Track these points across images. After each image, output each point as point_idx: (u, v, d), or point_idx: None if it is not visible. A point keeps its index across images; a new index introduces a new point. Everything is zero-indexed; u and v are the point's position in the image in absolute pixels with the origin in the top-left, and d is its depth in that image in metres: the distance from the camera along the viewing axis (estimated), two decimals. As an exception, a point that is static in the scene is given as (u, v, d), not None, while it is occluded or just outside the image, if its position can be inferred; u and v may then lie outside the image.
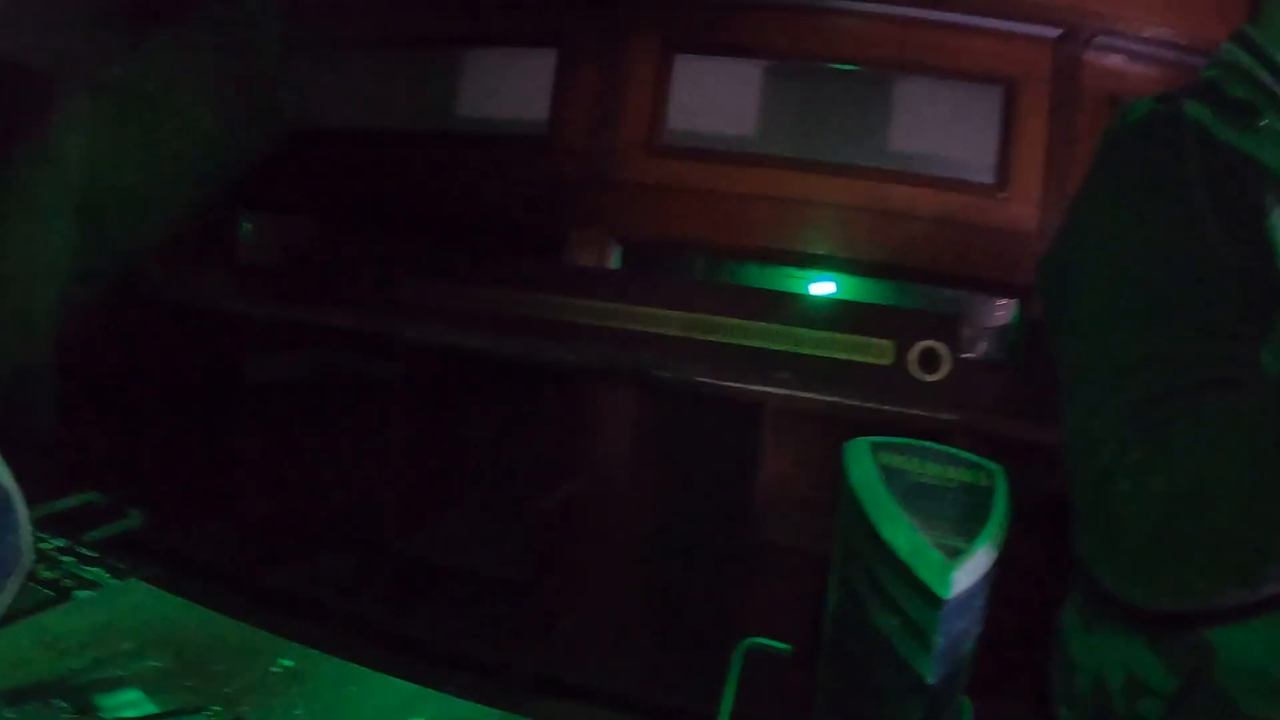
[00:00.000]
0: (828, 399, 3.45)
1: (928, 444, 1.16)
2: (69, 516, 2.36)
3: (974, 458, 1.13)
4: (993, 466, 1.14)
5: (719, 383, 3.55)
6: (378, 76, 4.95)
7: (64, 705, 1.43)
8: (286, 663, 1.51)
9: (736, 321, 3.96)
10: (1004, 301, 4.35)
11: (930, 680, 0.94)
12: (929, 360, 3.73)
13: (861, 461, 1.08)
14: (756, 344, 3.91)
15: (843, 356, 3.82)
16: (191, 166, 4.75)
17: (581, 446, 4.00)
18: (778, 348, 3.87)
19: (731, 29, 4.20)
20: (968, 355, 3.88)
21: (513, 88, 4.60)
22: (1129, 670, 1.16)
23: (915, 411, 3.37)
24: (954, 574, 0.96)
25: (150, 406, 4.50)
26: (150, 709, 1.45)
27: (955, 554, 0.97)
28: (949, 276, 4.13)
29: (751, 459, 3.47)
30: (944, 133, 4.05)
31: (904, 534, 0.98)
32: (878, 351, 3.80)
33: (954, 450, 1.16)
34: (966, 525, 1.02)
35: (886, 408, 3.39)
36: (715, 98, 4.28)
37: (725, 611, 3.49)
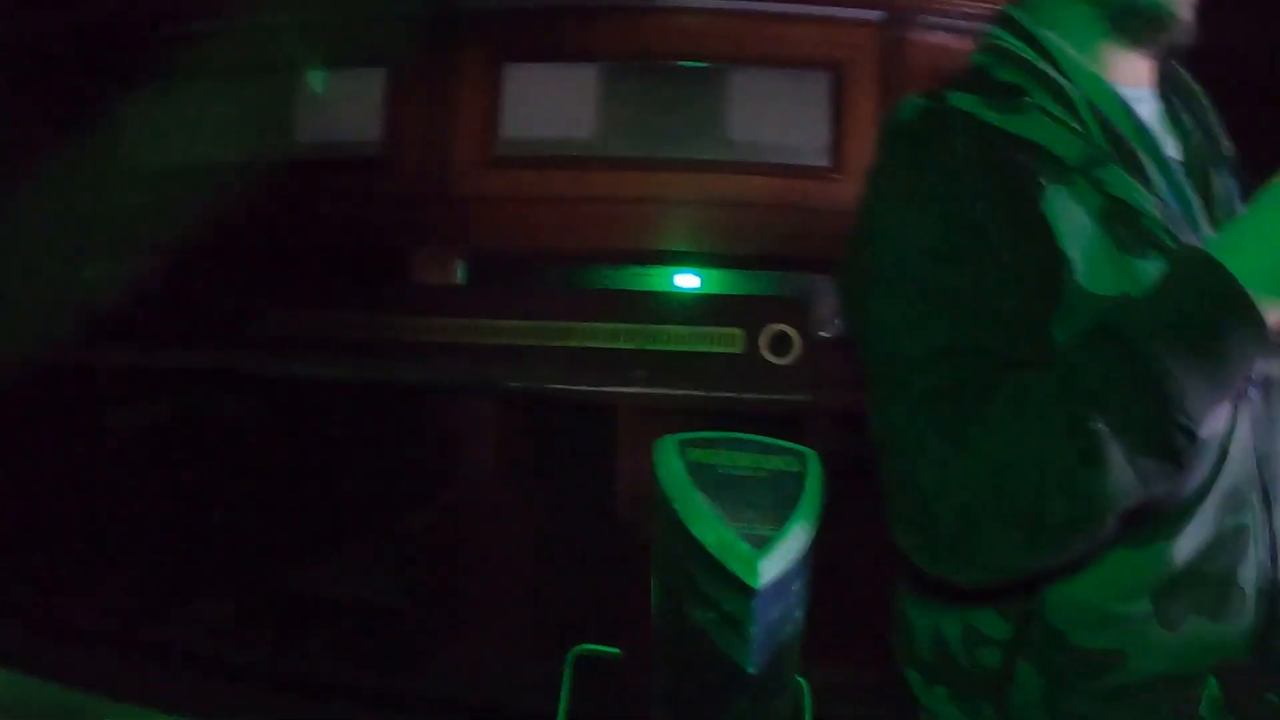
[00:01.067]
0: (681, 393, 3.48)
1: (738, 435, 1.17)
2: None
3: (786, 444, 1.15)
4: (805, 451, 1.15)
5: (571, 388, 3.55)
6: (211, 108, 4.82)
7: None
8: None
9: (583, 325, 3.96)
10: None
11: (751, 669, 0.96)
12: (779, 344, 3.78)
13: (669, 460, 1.08)
14: (606, 345, 3.92)
15: (693, 349, 3.84)
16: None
17: (445, 464, 3.97)
18: (628, 346, 3.88)
19: (558, 34, 4.20)
20: (818, 336, 3.93)
21: (346, 110, 4.53)
22: (966, 622, 1.20)
23: (769, 396, 3.41)
24: (762, 563, 0.97)
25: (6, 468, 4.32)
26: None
27: (763, 543, 0.98)
28: (794, 260, 4.19)
29: (611, 460, 3.48)
30: (778, 122, 4.10)
31: (711, 528, 0.99)
32: (728, 340, 3.83)
33: (765, 439, 1.17)
34: (776, 513, 1.03)
35: (741, 395, 3.44)
36: (548, 104, 4.27)
37: (604, 615, 3.49)
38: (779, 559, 0.99)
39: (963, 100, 1.10)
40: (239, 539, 3.98)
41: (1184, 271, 0.99)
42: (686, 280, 4.61)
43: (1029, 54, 1.15)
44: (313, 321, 4.24)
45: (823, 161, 4.05)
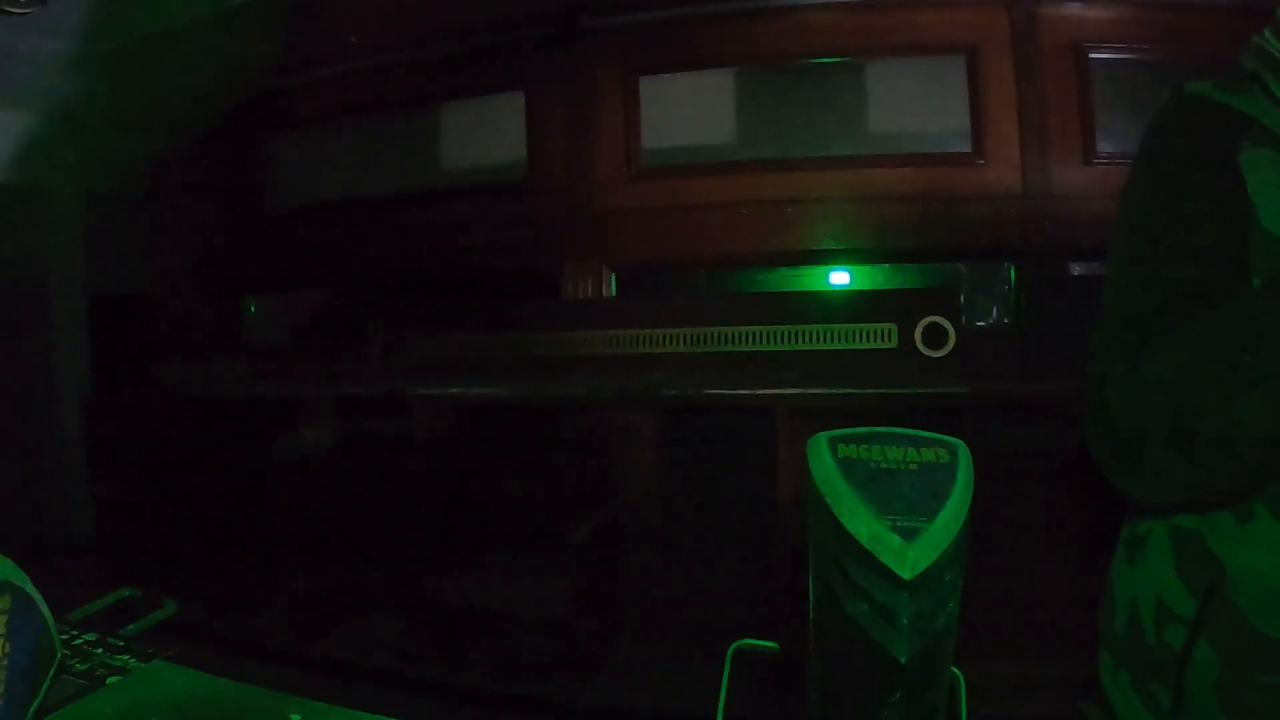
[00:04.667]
0: (837, 391, 3.47)
1: (889, 430, 1.18)
2: (108, 613, 2.42)
3: (936, 436, 1.16)
4: (954, 442, 1.16)
5: (729, 392, 3.57)
6: (356, 146, 5.00)
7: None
8: (296, 718, 1.57)
9: (737, 329, 3.98)
10: (999, 266, 4.35)
11: (903, 659, 0.98)
12: (934, 337, 3.74)
13: (821, 457, 1.10)
14: (760, 349, 3.93)
15: (847, 346, 3.83)
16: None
17: (605, 475, 4.03)
18: (781, 348, 3.89)
19: (689, 43, 4.22)
20: (971, 326, 3.88)
21: (488, 136, 4.64)
22: (1158, 598, 1.28)
23: (926, 390, 3.39)
24: (912, 554, 0.99)
25: (182, 498, 4.57)
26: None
27: (914, 534, 0.99)
28: (942, 250, 4.14)
29: (769, 462, 3.49)
30: (916, 111, 4.06)
31: (864, 522, 1.01)
32: (882, 336, 3.81)
33: (915, 432, 1.19)
34: (926, 505, 1.05)
35: (897, 391, 3.41)
36: (686, 114, 4.31)
37: (764, 615, 3.50)
38: (929, 549, 1.01)
39: (1197, 86, 1.30)
40: (406, 557, 4.11)
41: None
42: (837, 278, 4.59)
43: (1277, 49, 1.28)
44: (472, 344, 4.36)
45: (964, 147, 3.99)
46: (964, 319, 3.82)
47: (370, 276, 4.93)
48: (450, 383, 4.13)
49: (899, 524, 1.00)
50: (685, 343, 4.04)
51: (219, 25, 4.10)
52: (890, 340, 3.80)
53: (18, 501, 4.72)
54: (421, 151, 4.80)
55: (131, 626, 2.16)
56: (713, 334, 4.00)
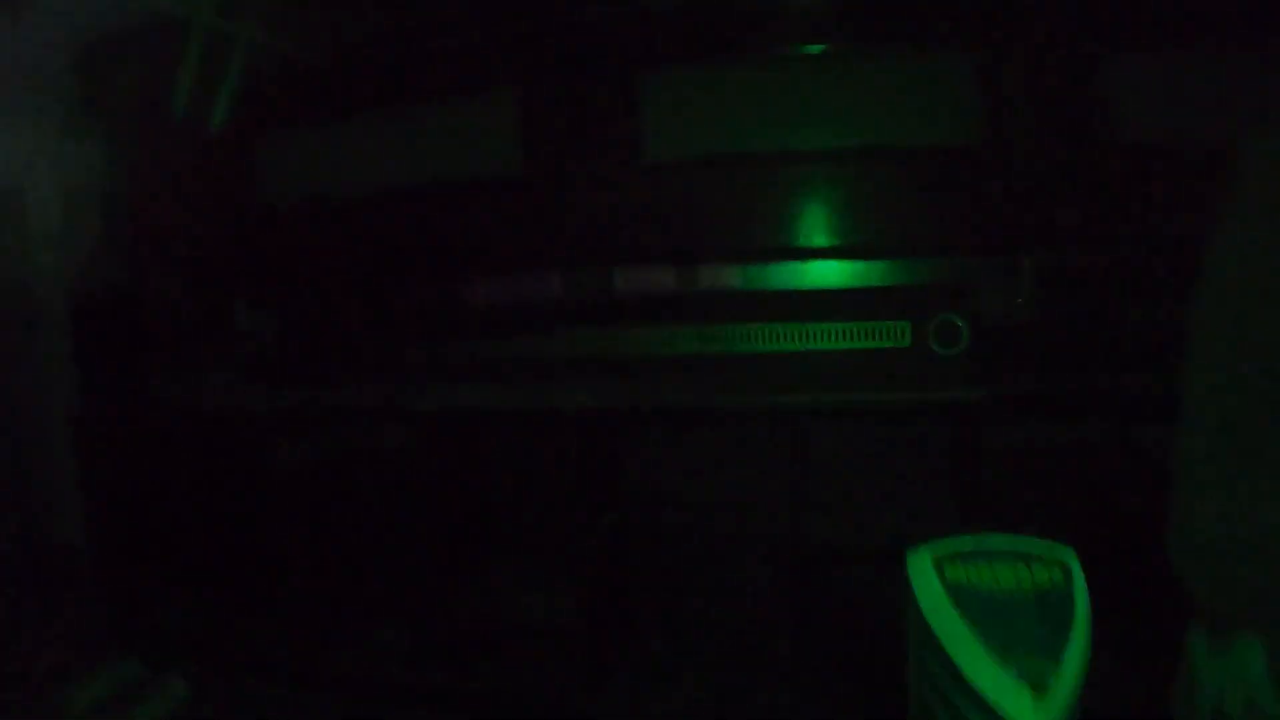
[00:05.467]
0: (848, 393, 3.41)
1: (994, 540, 1.10)
2: (111, 694, 2.33)
3: (1043, 544, 1.07)
4: (1065, 552, 1.08)
5: (734, 397, 3.50)
6: (349, 145, 4.87)
7: None
8: None
9: (744, 327, 3.89)
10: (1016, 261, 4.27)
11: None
12: (948, 335, 3.66)
13: (927, 579, 1.01)
14: (768, 348, 3.85)
15: (858, 345, 3.75)
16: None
17: (614, 483, 3.96)
18: (789, 348, 3.80)
19: (691, 36, 4.10)
20: (986, 325, 3.80)
21: (484, 131, 4.52)
22: (1248, 698, 1.17)
23: (940, 390, 3.33)
24: (1045, 712, 0.90)
25: (174, 514, 4.48)
26: None
27: (1043, 687, 0.91)
28: (955, 246, 4.04)
29: (778, 466, 3.43)
30: (922, 102, 3.95)
31: (985, 667, 0.92)
32: (894, 334, 3.73)
33: (1022, 541, 1.10)
34: (1049, 643, 0.96)
35: (910, 394, 3.35)
36: (687, 105, 4.19)
37: (789, 631, 3.45)
38: (1060, 701, 0.92)
39: None
40: (415, 568, 4.05)
41: None
42: (847, 274, 4.49)
43: None
44: (470, 348, 4.27)
45: (969, 139, 3.89)
46: (979, 316, 3.72)
47: (363, 277, 4.80)
48: (450, 391, 4.04)
49: (1024, 669, 0.92)
50: (689, 342, 3.95)
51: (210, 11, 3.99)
52: (903, 339, 3.72)
53: (7, 518, 4.63)
54: (417, 147, 4.67)
55: (132, 714, 2.07)
56: (718, 332, 3.92)
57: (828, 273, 4.09)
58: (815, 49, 4.00)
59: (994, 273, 3.94)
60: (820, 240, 4.00)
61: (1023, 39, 3.70)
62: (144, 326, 4.87)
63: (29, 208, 4.98)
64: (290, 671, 3.91)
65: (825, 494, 3.58)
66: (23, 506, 4.80)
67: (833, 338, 3.80)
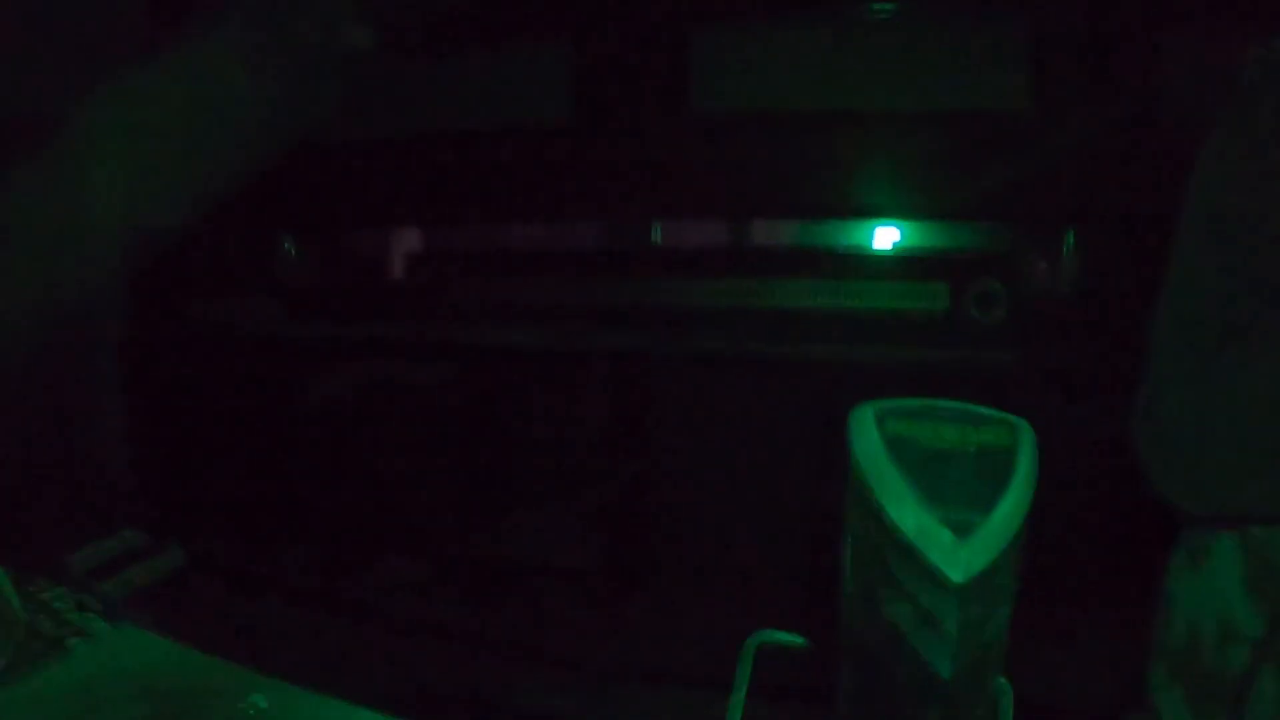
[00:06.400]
0: (883, 352, 3.36)
1: (944, 403, 1.05)
2: (113, 560, 2.37)
3: (997, 414, 1.03)
4: (1018, 422, 1.03)
5: (767, 348, 3.47)
6: (400, 86, 4.88)
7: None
8: (260, 702, 1.48)
9: (782, 283, 3.86)
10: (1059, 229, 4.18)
11: (947, 675, 0.84)
12: (986, 301, 3.59)
13: (866, 431, 0.97)
14: (804, 303, 3.81)
15: (895, 306, 3.70)
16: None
17: (637, 429, 3.94)
18: (826, 304, 3.76)
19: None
20: (1026, 291, 3.73)
21: (536, 77, 4.51)
22: (1222, 617, 1.16)
23: (975, 356, 3.27)
24: (965, 554, 0.85)
25: (209, 435, 4.54)
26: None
27: (968, 531, 0.86)
28: (998, 211, 3.97)
29: (806, 426, 3.38)
30: (976, 64, 3.86)
31: (910, 512, 0.88)
32: (931, 297, 3.67)
33: (974, 408, 1.05)
34: (983, 496, 0.91)
35: (945, 355, 3.30)
36: (735, 61, 4.15)
37: (794, 593, 3.40)
38: (985, 549, 0.87)
39: None
40: (436, 503, 4.07)
41: None
42: (885, 235, 4.43)
43: None
44: (504, 288, 4.28)
45: (1024, 102, 3.80)
46: (1018, 285, 3.65)
47: (407, 217, 4.83)
48: (486, 330, 4.05)
49: (952, 517, 0.87)
50: (727, 295, 3.92)
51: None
52: (940, 302, 3.66)
53: (49, 439, 4.70)
54: (468, 92, 4.68)
55: (132, 573, 2.10)
56: (756, 287, 3.88)
57: (869, 232, 4.05)
58: (870, 8, 3.94)
59: (1038, 241, 3.87)
60: (863, 200, 3.96)
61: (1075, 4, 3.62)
62: (193, 255, 4.94)
63: (88, 138, 5.04)
64: (297, 587, 3.96)
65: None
66: (64, 418, 4.88)
67: (870, 297, 3.76)
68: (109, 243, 4.46)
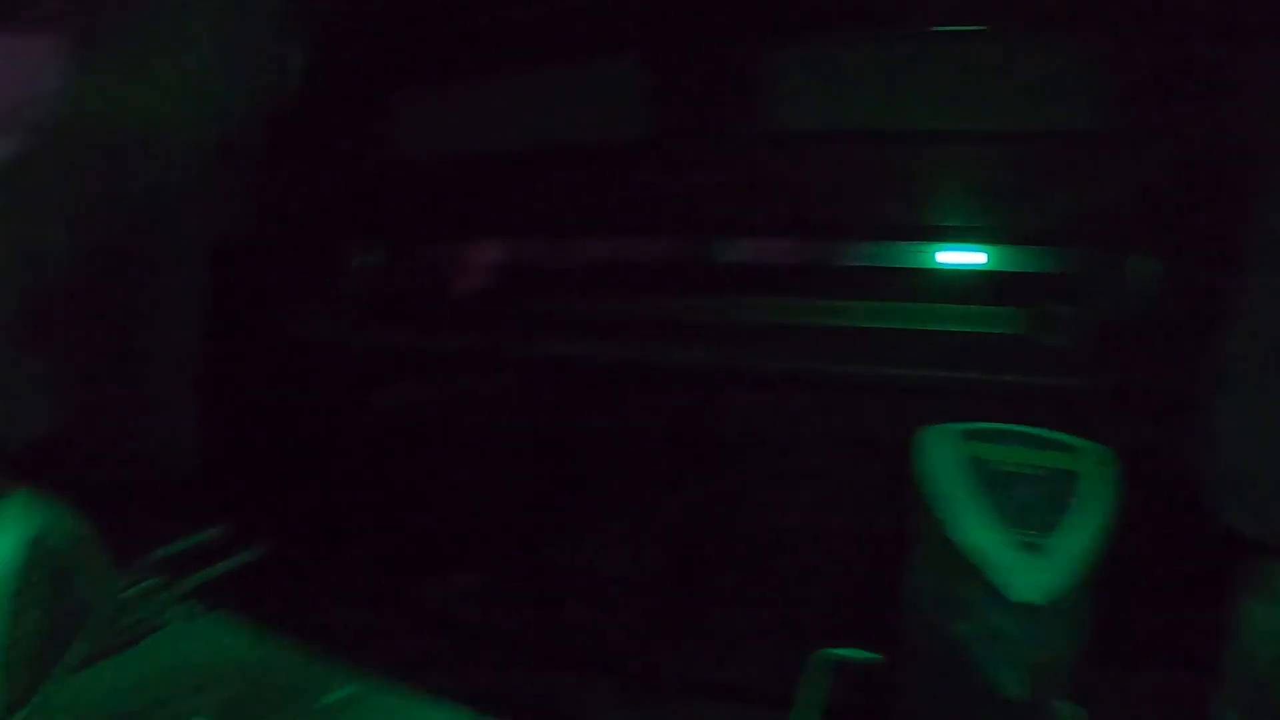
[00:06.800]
0: (950, 374, 3.35)
1: (1013, 427, 1.07)
2: (193, 552, 2.44)
3: (1072, 439, 1.05)
4: (1095, 448, 1.05)
5: (836, 368, 3.47)
6: (480, 100, 4.95)
7: (130, 739, 1.49)
8: (340, 693, 1.53)
9: (856, 304, 3.86)
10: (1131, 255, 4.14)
11: (1014, 696, 0.86)
12: (1055, 324, 3.57)
13: (938, 450, 0.99)
14: (877, 324, 3.81)
15: (962, 328, 3.68)
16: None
17: (705, 447, 3.96)
18: (893, 325, 3.76)
19: (818, 9, 4.06)
20: (1095, 315, 3.70)
21: (610, 95, 4.55)
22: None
23: (1044, 381, 3.25)
24: (1037, 575, 0.87)
25: (287, 440, 4.62)
26: (206, 740, 1.49)
27: (1036, 552, 0.88)
28: (1071, 235, 3.94)
29: (873, 445, 3.38)
30: (1051, 83, 3.84)
31: (982, 532, 0.90)
32: (999, 320, 3.66)
33: (1049, 433, 1.07)
34: (1054, 517, 0.93)
35: (1013, 378, 3.28)
36: (813, 80, 4.16)
37: (865, 611, 3.40)
38: (1057, 572, 0.89)
39: None
40: (502, 512, 4.12)
41: None
42: (953, 256, 4.41)
43: None
44: (581, 303, 4.32)
45: (1101, 125, 3.77)
46: (1089, 307, 3.62)
47: (479, 231, 4.89)
48: (554, 342, 4.09)
49: (1023, 538, 0.89)
50: (794, 313, 3.93)
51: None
52: (1009, 325, 3.64)
53: (129, 437, 4.81)
54: (543, 110, 4.73)
55: (215, 568, 2.17)
56: (829, 307, 3.89)
57: (936, 254, 4.04)
58: (945, 28, 3.94)
59: (1108, 265, 3.84)
60: (935, 220, 3.95)
61: (1154, 28, 3.59)
62: (270, 264, 5.04)
63: (171, 150, 5.17)
64: (361, 591, 4.03)
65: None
66: (150, 417, 5.00)
67: (937, 319, 3.75)
68: (191, 244, 4.60)
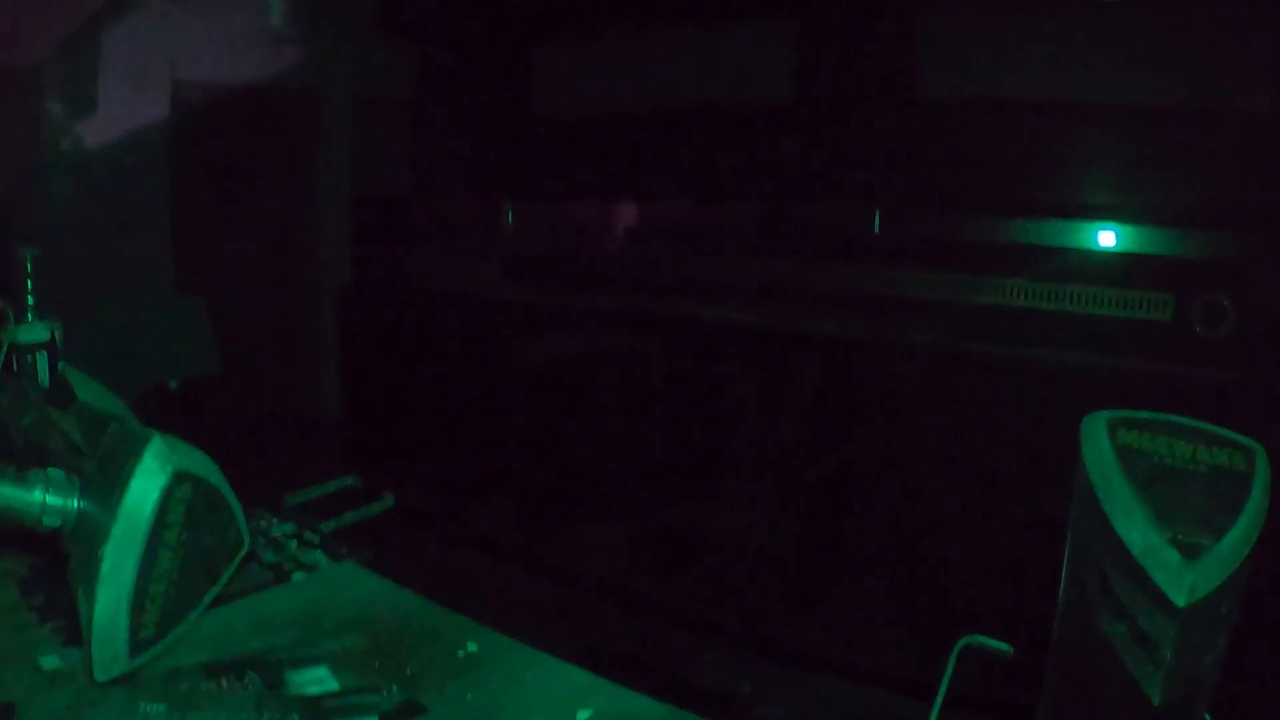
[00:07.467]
0: (1101, 360, 3.25)
1: (1177, 419, 1.02)
2: (327, 501, 2.51)
3: (1231, 435, 0.99)
4: (1254, 446, 0.99)
5: (978, 347, 3.40)
6: (623, 62, 4.95)
7: (256, 679, 1.55)
8: (472, 647, 1.56)
9: (1000, 281, 3.76)
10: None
11: (1156, 701, 0.82)
12: (1213, 314, 3.43)
13: (1098, 441, 0.95)
14: (1021, 304, 3.71)
15: (1116, 314, 3.56)
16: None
17: (846, 418, 3.92)
18: (1045, 307, 3.65)
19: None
20: (1256, 306, 3.53)
21: (759, 58, 4.50)
22: None
23: (1198, 372, 3.13)
24: (1192, 578, 0.83)
25: (425, 392, 4.72)
26: (333, 686, 1.54)
27: (1196, 553, 0.84)
28: (1234, 219, 3.76)
29: (1016, 429, 3.31)
30: (1217, 57, 3.65)
31: (1139, 528, 0.86)
32: (1156, 306, 3.52)
33: (1210, 426, 1.02)
34: (1215, 518, 0.89)
35: (1165, 368, 3.17)
36: (961, 47, 4.05)
37: (999, 599, 3.33)
38: (1212, 574, 0.85)
39: None
40: (635, 473, 4.14)
41: None
42: (1106, 238, 4.26)
43: None
44: (724, 267, 4.30)
45: (1262, 104, 3.58)
46: (1250, 297, 3.46)
47: (626, 191, 4.90)
48: (696, 305, 4.09)
49: (1179, 537, 0.85)
50: (945, 290, 3.85)
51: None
52: (1165, 313, 3.51)
53: (273, 384, 4.98)
54: (690, 70, 4.71)
55: (347, 516, 2.23)
56: (972, 283, 3.80)
57: (1091, 234, 3.90)
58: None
59: (1271, 253, 3.66)
60: (1089, 199, 3.81)
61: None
62: (417, 219, 5.15)
63: (322, 107, 5.33)
64: (493, 546, 4.10)
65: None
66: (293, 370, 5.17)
67: (1090, 302, 3.63)
68: (334, 207, 4.73)
